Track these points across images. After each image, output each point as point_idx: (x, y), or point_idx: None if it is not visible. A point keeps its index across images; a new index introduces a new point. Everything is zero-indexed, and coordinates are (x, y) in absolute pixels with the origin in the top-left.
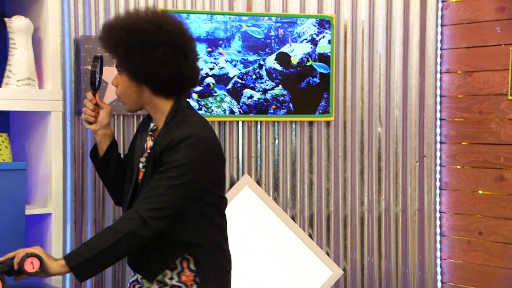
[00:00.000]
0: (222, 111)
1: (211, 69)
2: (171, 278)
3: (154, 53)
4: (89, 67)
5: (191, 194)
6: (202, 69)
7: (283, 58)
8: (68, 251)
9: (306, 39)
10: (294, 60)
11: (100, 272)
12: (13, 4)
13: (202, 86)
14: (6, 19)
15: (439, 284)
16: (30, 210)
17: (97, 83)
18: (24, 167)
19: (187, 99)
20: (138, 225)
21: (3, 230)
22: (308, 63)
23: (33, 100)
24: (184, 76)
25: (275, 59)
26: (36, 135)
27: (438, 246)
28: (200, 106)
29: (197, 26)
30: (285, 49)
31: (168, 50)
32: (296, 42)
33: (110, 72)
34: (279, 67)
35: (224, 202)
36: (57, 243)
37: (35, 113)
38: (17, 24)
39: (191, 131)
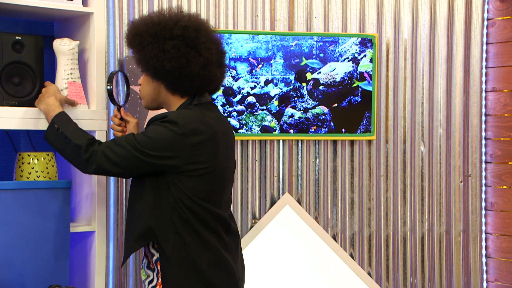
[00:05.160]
0: (263, 130)
1: (252, 88)
2: (152, 280)
3: (164, 45)
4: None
5: (141, 160)
6: (236, 74)
7: (300, 76)
8: (111, 268)
9: (347, 58)
10: (309, 75)
11: (51, 144)
12: (61, 27)
13: (244, 105)
14: (54, 42)
15: None
16: (74, 228)
17: (120, 99)
18: (69, 186)
19: (210, 99)
20: (92, 151)
21: (49, 247)
22: (354, 84)
23: (79, 120)
24: (194, 72)
25: (294, 78)
26: None
27: (484, 268)
28: (241, 125)
29: (239, 46)
30: (326, 68)
31: (180, 44)
32: (337, 61)
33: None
34: (320, 86)
35: (211, 214)
36: (100, 260)
37: None
38: (61, 46)
39: (174, 116)
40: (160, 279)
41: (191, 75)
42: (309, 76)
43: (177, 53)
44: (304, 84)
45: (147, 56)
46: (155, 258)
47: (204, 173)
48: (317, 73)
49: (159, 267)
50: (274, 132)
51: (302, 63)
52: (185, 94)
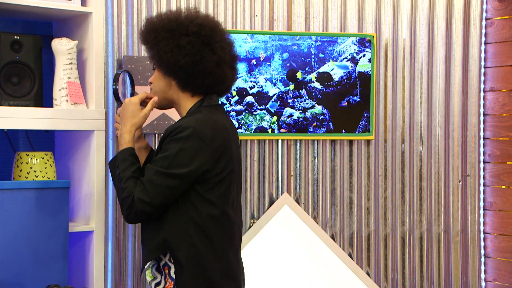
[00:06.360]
0: (262, 129)
1: (251, 87)
2: (159, 283)
3: (179, 41)
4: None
5: (177, 186)
6: (239, 74)
7: (291, 75)
8: (109, 267)
9: (346, 57)
10: (300, 75)
11: (111, 173)
12: (60, 27)
13: (242, 105)
14: (52, 41)
15: None
16: (73, 227)
17: (123, 98)
18: (68, 185)
19: (218, 101)
20: (131, 201)
21: (48, 246)
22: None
23: (77, 120)
24: (207, 69)
25: (286, 77)
26: (79, 154)
27: (483, 267)
28: (240, 125)
29: (238, 45)
30: (325, 68)
31: (195, 40)
32: (336, 60)
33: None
34: (319, 86)
35: (223, 214)
36: (99, 259)
37: (79, 132)
38: (60, 46)
39: (189, 123)
40: (167, 283)
41: (204, 73)
42: (299, 75)
43: (192, 50)
44: (303, 78)
45: (161, 51)
46: (162, 263)
47: (226, 175)
48: (316, 73)
49: (166, 271)
50: (272, 132)
51: (332, 65)
52: (195, 92)
